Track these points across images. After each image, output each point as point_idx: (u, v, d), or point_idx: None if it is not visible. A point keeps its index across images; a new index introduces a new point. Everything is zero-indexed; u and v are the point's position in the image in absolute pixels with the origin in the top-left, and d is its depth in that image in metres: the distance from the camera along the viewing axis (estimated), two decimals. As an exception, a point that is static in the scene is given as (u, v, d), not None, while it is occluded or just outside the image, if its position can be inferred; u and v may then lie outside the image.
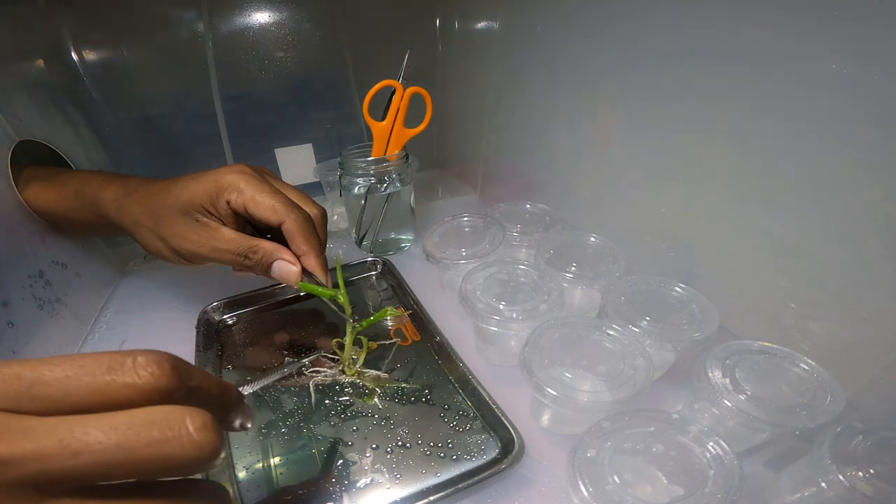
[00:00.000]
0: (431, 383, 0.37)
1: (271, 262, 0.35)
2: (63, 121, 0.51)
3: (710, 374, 0.28)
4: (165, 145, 0.62)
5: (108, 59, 0.54)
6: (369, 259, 0.52)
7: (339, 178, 0.52)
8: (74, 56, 0.53)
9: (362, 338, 0.39)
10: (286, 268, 0.35)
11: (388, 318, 0.44)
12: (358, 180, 0.50)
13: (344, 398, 0.36)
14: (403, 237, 0.56)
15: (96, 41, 0.53)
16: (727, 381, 0.28)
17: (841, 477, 0.22)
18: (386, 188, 0.51)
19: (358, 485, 0.30)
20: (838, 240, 0.28)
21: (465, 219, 0.48)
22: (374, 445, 0.32)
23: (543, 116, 0.53)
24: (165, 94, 0.59)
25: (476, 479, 0.28)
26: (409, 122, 0.49)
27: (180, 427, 0.16)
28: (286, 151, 0.66)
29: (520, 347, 0.31)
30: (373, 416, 0.34)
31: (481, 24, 0.59)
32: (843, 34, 0.26)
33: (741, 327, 0.35)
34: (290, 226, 0.34)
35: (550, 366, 0.30)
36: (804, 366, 0.28)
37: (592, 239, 0.42)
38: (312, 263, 0.35)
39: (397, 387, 0.37)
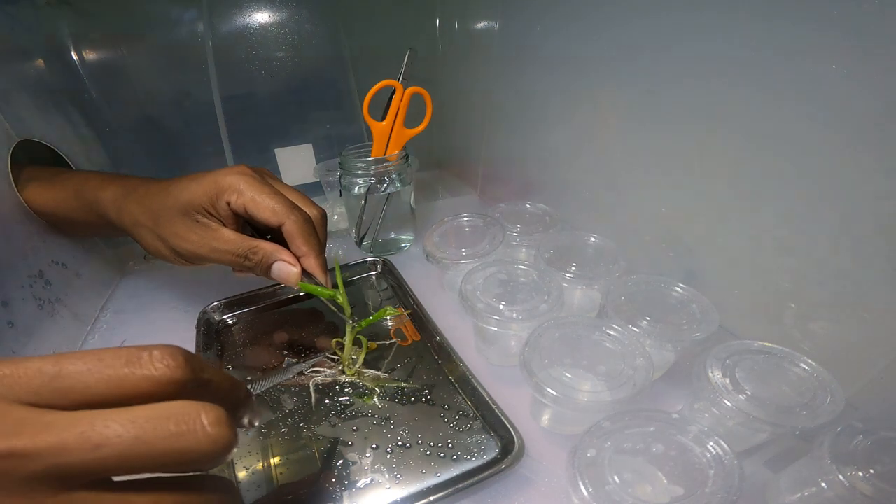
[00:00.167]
0: (431, 383, 0.37)
1: (271, 264, 0.36)
2: (63, 121, 0.51)
3: (710, 374, 0.28)
4: (165, 145, 0.62)
5: (108, 59, 0.54)
6: (369, 259, 0.52)
7: (339, 178, 0.52)
8: (74, 56, 0.53)
9: (361, 337, 0.39)
10: (286, 269, 0.35)
11: (389, 318, 0.44)
12: (358, 180, 0.50)
13: (344, 398, 0.36)
14: (403, 237, 0.56)
15: (96, 41, 0.53)
16: (727, 381, 0.28)
17: (841, 477, 0.22)
18: (386, 188, 0.51)
19: (358, 485, 0.30)
20: (838, 240, 0.28)
21: (465, 219, 0.48)
22: (374, 445, 0.32)
23: (543, 116, 0.53)
24: (165, 94, 0.59)
25: (476, 479, 0.28)
26: (409, 122, 0.49)
27: (195, 421, 0.17)
28: (286, 151, 0.66)
29: (520, 347, 0.31)
30: (373, 416, 0.34)
31: (481, 24, 0.59)
32: (843, 34, 0.26)
33: (741, 327, 0.35)
34: (290, 227, 0.35)
35: (550, 366, 0.30)
36: (804, 366, 0.28)
37: (592, 239, 0.42)
38: (312, 264, 0.36)
39: (397, 387, 0.37)
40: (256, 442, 0.33)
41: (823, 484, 0.22)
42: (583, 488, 0.23)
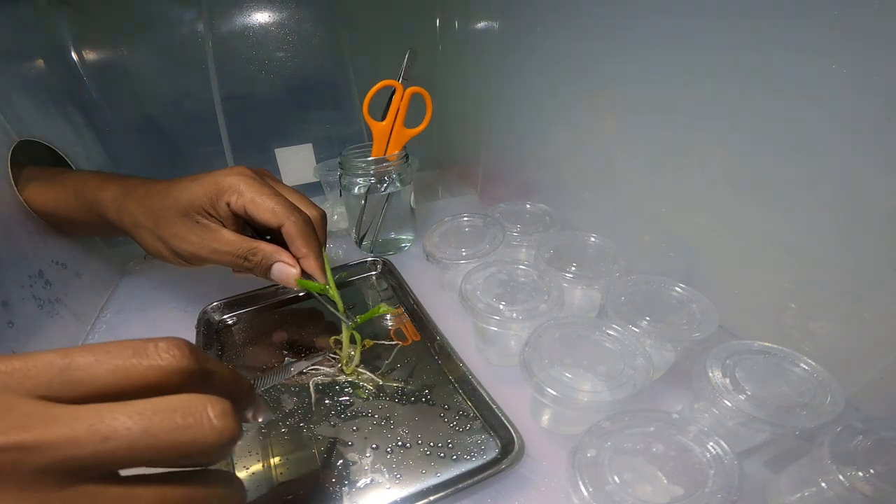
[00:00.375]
0: (431, 383, 0.37)
1: (271, 265, 0.36)
2: (63, 121, 0.51)
3: (710, 374, 0.28)
4: (165, 145, 0.62)
5: (108, 59, 0.54)
6: (369, 259, 0.52)
7: (339, 178, 0.52)
8: (74, 56, 0.53)
9: (355, 333, 0.38)
10: (285, 270, 0.35)
11: (388, 318, 0.44)
12: (358, 180, 0.50)
13: (344, 398, 0.36)
14: (403, 237, 0.56)
15: (96, 41, 0.53)
16: (727, 381, 0.28)
17: (841, 477, 0.22)
18: (386, 188, 0.51)
19: (358, 485, 0.30)
20: (838, 240, 0.28)
21: (465, 219, 0.48)
22: (374, 445, 0.32)
23: (543, 116, 0.53)
24: (165, 94, 0.59)
25: (476, 479, 0.28)
26: (409, 122, 0.49)
27: (201, 413, 0.17)
28: (286, 151, 0.66)
29: (520, 347, 0.31)
30: (373, 416, 0.34)
31: (481, 24, 0.59)
32: (843, 34, 0.26)
33: (741, 327, 0.35)
34: (290, 228, 0.35)
35: (550, 366, 0.30)
36: (804, 366, 0.28)
37: (592, 239, 0.42)
38: (312, 266, 0.36)
39: (397, 387, 0.37)
40: (256, 441, 0.33)
41: (823, 484, 0.22)
42: (583, 488, 0.23)
